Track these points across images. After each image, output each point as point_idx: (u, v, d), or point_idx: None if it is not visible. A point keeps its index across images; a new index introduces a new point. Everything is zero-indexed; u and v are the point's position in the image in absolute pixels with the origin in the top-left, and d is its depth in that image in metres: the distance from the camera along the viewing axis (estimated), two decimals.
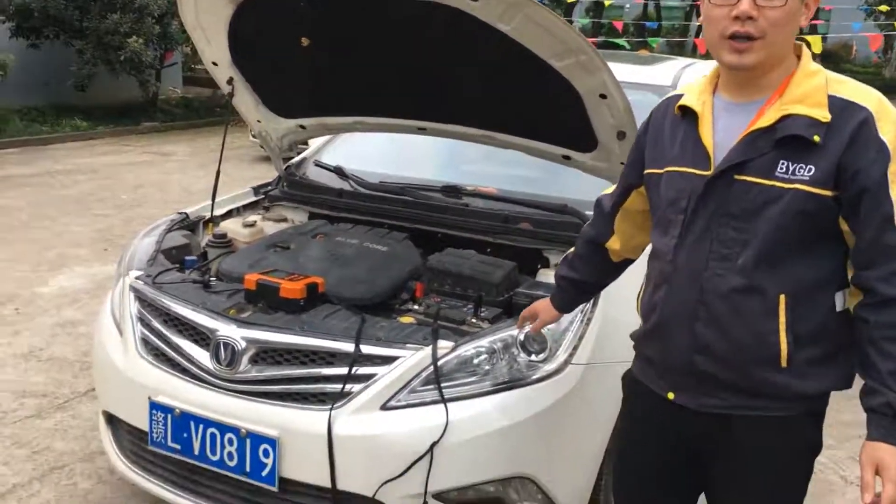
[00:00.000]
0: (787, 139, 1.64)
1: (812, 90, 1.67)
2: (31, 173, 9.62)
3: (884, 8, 19.76)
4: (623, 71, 2.90)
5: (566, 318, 2.40)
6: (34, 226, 7.25)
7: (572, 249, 2.20)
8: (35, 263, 6.14)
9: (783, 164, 1.64)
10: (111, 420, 2.84)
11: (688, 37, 21.73)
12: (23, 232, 7.02)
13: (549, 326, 2.37)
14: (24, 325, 4.91)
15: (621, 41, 17.70)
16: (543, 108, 2.88)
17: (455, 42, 2.76)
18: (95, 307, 4.85)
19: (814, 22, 18.08)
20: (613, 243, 2.08)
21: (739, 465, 1.79)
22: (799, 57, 1.74)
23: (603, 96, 2.65)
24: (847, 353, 1.72)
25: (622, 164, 2.33)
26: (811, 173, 1.62)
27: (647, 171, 1.89)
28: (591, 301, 2.44)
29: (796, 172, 1.63)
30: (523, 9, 2.46)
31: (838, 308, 1.72)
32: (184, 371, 2.57)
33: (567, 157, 3.06)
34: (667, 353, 1.82)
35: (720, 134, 1.74)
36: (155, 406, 2.55)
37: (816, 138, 1.62)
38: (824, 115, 1.63)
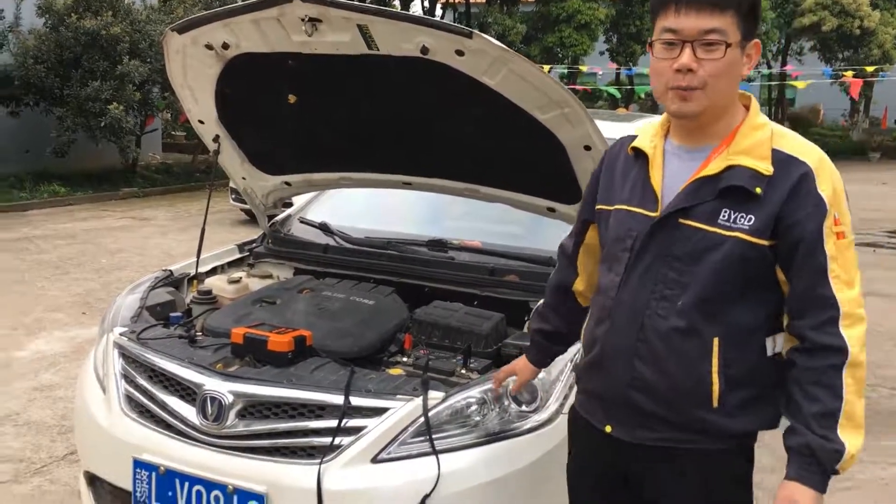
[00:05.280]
0: (730, 189, 1.71)
1: (757, 143, 1.74)
2: (9, 238, 9.55)
3: (849, 73, 20.36)
4: (603, 127, 2.94)
5: (556, 367, 2.40)
6: (11, 290, 7.16)
7: (541, 302, 2.22)
8: (11, 328, 6.05)
9: (725, 212, 1.72)
10: (93, 481, 2.76)
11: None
12: None
13: (540, 376, 2.37)
14: (1, 389, 4.81)
15: (612, 89, 18.21)
16: (528, 161, 2.93)
17: (440, 96, 2.81)
18: (74, 371, 4.78)
19: (795, 73, 18.42)
20: (579, 284, 2.12)
21: (677, 496, 1.83)
22: (747, 108, 1.80)
23: (587, 147, 2.70)
24: (773, 396, 1.78)
25: None
26: (751, 223, 1.69)
27: (597, 207, 1.96)
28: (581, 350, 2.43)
29: (737, 221, 1.70)
30: (508, 63, 2.51)
31: (769, 353, 1.79)
32: (169, 427, 2.52)
33: (552, 210, 3.09)
34: (606, 385, 1.87)
35: (668, 177, 1.81)
36: (139, 464, 2.49)
37: (758, 190, 1.69)
38: (767, 167, 1.70)
